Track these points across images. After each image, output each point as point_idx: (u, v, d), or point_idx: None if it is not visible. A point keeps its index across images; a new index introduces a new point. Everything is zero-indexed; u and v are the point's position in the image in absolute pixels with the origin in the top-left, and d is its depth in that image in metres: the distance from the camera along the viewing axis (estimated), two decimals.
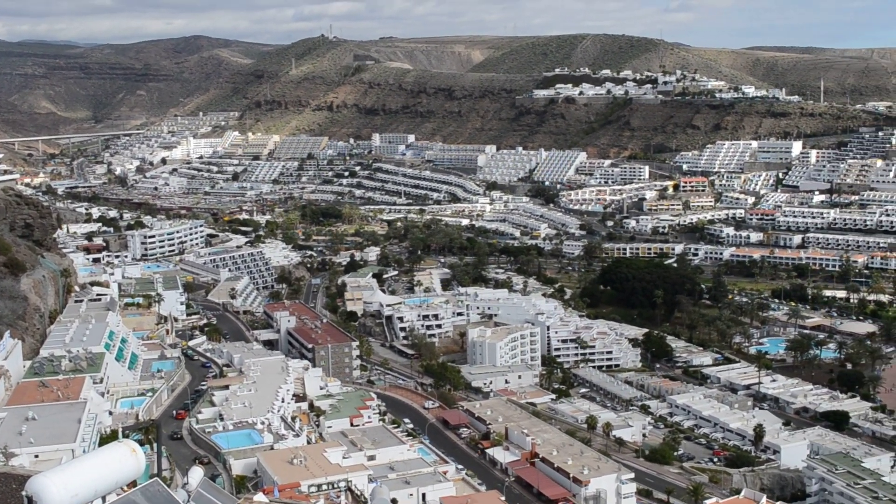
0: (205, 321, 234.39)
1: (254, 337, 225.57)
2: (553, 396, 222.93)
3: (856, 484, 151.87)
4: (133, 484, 44.01)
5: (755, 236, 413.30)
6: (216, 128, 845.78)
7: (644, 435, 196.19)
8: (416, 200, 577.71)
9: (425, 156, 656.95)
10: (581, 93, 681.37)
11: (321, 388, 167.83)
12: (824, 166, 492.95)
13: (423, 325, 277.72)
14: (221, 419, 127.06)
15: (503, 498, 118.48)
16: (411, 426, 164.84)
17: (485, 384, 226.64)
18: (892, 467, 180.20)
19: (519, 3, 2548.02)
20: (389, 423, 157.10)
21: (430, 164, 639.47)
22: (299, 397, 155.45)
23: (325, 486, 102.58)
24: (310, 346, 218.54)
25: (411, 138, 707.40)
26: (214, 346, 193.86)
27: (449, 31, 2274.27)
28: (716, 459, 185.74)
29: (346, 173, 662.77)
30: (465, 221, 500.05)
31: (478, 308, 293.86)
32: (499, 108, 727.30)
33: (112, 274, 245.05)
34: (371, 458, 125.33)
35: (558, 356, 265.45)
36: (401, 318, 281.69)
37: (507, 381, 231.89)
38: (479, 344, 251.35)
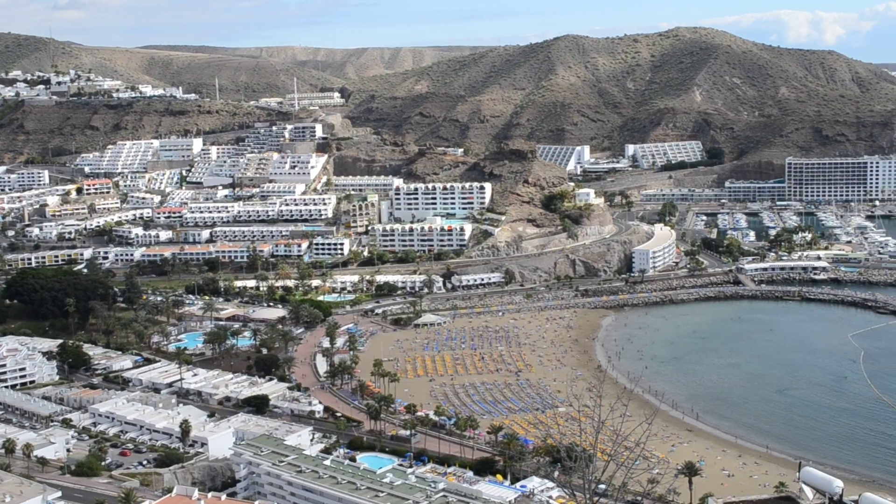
0: None
1: None
2: None
3: (280, 462, 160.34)
4: None
5: (165, 234, 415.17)
6: None
7: (69, 450, 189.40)
8: None
9: None
10: None
11: None
12: (225, 161, 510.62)
13: None
14: None
15: None
16: None
17: None
18: (311, 441, 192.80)
19: None
20: None
21: None
22: None
23: None
24: None
25: None
26: None
27: None
28: (146, 462, 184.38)
29: None
30: None
31: None
32: None
33: None
34: None
35: None
36: None
37: None
38: None
